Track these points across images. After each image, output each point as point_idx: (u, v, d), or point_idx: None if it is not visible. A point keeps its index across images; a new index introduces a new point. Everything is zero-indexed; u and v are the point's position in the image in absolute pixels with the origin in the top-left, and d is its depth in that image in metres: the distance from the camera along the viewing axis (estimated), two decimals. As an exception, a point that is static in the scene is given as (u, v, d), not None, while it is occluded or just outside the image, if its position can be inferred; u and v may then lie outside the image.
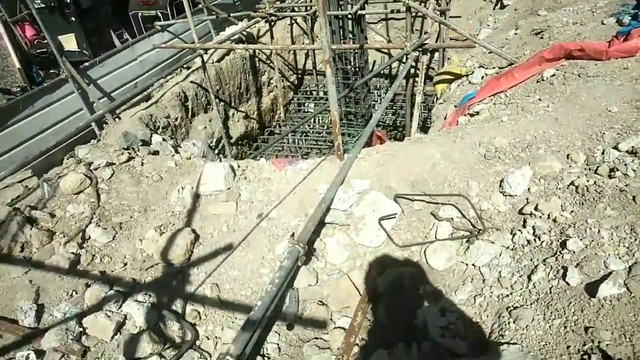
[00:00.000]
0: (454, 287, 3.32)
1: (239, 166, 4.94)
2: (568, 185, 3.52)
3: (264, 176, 4.79)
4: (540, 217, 3.39)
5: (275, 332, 3.44)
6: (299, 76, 12.13)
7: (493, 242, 3.43)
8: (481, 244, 3.43)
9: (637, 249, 2.72)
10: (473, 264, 3.38)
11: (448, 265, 3.49)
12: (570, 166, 3.72)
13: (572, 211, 3.30)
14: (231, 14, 10.26)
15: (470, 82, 6.90)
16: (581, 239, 3.01)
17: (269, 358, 3.28)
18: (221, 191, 4.56)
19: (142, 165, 5.13)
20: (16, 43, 11.07)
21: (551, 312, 2.73)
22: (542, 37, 6.47)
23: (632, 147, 3.50)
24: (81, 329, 3.55)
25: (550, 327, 2.65)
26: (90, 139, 7.76)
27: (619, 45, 4.87)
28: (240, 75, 10.17)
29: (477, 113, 5.61)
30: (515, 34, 7.20)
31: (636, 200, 3.04)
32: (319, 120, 11.13)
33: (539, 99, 4.63)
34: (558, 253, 3.02)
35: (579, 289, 2.74)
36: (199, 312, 3.64)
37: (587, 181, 3.43)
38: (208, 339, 3.47)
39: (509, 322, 2.81)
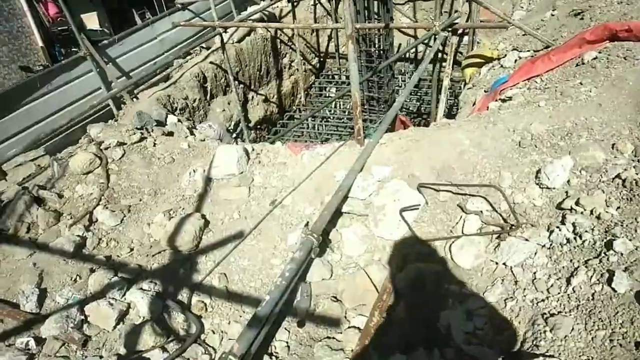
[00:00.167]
0: (482, 288, 3.00)
1: (253, 149, 4.66)
2: (614, 179, 3.14)
3: (279, 161, 4.50)
4: (581, 213, 3.02)
5: (285, 328, 3.18)
6: (321, 59, 11.74)
7: (527, 240, 3.08)
8: (514, 241, 3.08)
9: (700, 254, 2.35)
10: (504, 263, 3.05)
11: (476, 264, 3.16)
12: (615, 157, 3.33)
13: (618, 207, 2.93)
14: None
15: (502, 66, 6.45)
16: (630, 240, 2.65)
17: (277, 357, 3.03)
18: (233, 175, 4.30)
19: (154, 146, 4.91)
20: (39, 21, 10.99)
21: (594, 322, 2.40)
22: (582, 18, 5.96)
23: (691, 137, 3.09)
24: (82, 317, 3.36)
25: (593, 339, 2.32)
26: (108, 118, 7.62)
27: (672, 25, 4.38)
28: (260, 57, 9.86)
29: (510, 98, 5.19)
30: (552, 14, 6.69)
31: (697, 198, 2.66)
32: (339, 105, 10.76)
33: (580, 83, 4.20)
34: (602, 254, 2.67)
35: (628, 297, 2.39)
36: (205, 304, 3.41)
37: (636, 174, 3.05)
38: (214, 332, 3.24)
39: (544, 331, 2.48)
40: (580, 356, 2.28)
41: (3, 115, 6.56)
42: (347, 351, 2.95)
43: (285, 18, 10.49)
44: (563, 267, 2.80)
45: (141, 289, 3.49)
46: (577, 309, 2.54)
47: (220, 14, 10.44)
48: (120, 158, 4.66)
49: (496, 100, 5.58)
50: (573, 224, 2.98)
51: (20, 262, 3.80)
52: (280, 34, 10.41)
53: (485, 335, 2.67)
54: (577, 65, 4.91)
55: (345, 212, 3.85)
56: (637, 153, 3.27)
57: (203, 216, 3.98)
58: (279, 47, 10.45)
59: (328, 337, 3.09)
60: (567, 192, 3.24)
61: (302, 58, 10.64)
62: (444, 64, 9.36)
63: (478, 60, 7.24)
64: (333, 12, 10.91)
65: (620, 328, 2.29)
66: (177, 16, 9.46)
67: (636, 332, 2.23)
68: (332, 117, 10.16)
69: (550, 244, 2.97)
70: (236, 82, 9.23)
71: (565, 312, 2.55)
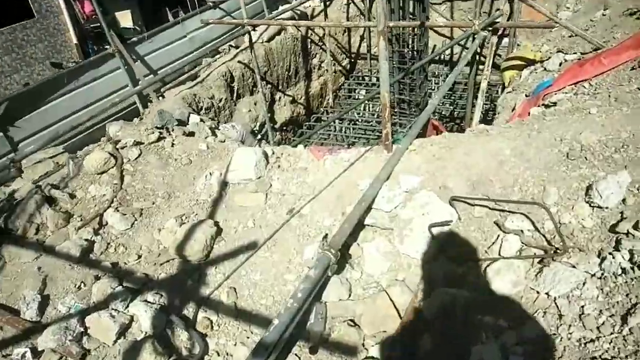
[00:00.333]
0: (520, 320, 2.60)
1: (273, 153, 4.38)
2: (681, 200, 2.69)
3: (299, 165, 4.19)
4: (641, 238, 2.59)
5: (296, 354, 2.86)
6: (352, 60, 11.38)
7: (574, 267, 2.66)
8: (559, 268, 2.67)
9: None
10: (547, 293, 2.64)
11: (514, 291, 2.76)
12: (683, 174, 2.87)
13: (688, 234, 2.48)
14: (285, -8, 9.69)
15: (545, 69, 5.95)
16: None
17: (284, 387, 2.72)
18: (250, 180, 4.02)
19: (172, 146, 4.69)
20: (75, 18, 11.09)
21: (658, 374, 1.98)
22: (638, 18, 5.41)
23: None
24: (82, 329, 3.14)
25: (656, 395, 1.90)
26: (134, 116, 7.51)
27: None
28: (290, 57, 9.60)
29: (555, 104, 4.72)
30: (604, 14, 6.14)
31: None
32: (368, 108, 10.37)
33: (638, 89, 3.72)
34: (668, 290, 2.25)
35: None
36: (211, 321, 3.13)
37: None
38: (218, 354, 2.95)
39: (595, 380, 2.09)
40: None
41: (32, 111, 6.52)
42: (363, 386, 2.62)
43: (317, 17, 10.20)
44: (617, 302, 2.39)
45: (146, 300, 3.25)
46: (636, 355, 2.13)
47: (251, 13, 10.28)
48: (136, 158, 4.46)
49: (539, 106, 5.12)
50: (630, 251, 2.55)
51: (26, 265, 3.62)
52: (311, 34, 10.13)
53: (524, 379, 2.29)
54: (632, 68, 4.41)
55: (368, 225, 3.50)
56: None
57: (216, 223, 3.71)
58: (309, 47, 10.17)
59: (343, 368, 2.75)
60: (622, 213, 2.80)
61: (332, 58, 10.34)
62: (480, 66, 8.88)
63: (519, 62, 6.75)
64: (367, 11, 10.55)
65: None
66: (207, 14, 9.31)
67: None
68: (360, 120, 9.80)
69: (602, 274, 2.55)
70: (264, 82, 9.00)
71: (621, 358, 2.15)
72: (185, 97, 7.46)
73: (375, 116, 9.79)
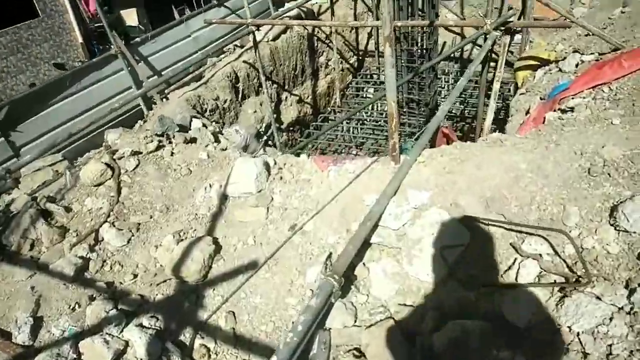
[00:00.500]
0: (540, 357, 2.37)
1: (275, 163, 4.16)
2: None
3: (302, 177, 3.98)
4: (675, 269, 2.34)
5: (297, 388, 2.66)
6: (360, 58, 11.09)
7: (600, 298, 2.42)
8: (582, 299, 2.44)
9: None
10: (569, 327, 2.41)
11: (533, 323, 2.53)
12: None
13: None
14: (291, -11, 9.41)
15: (560, 70, 5.66)
16: None
17: None
18: (251, 194, 3.81)
19: (171, 155, 4.49)
20: (80, 17, 10.92)
21: None
22: (661, 16, 5.10)
23: None
24: (75, 355, 2.96)
25: None
26: (138, 119, 7.33)
27: None
28: (296, 56, 9.34)
29: (572, 109, 4.45)
30: (623, 12, 5.82)
31: None
32: (377, 107, 10.10)
33: (666, 97, 3.45)
34: None
35: None
36: (208, 349, 2.93)
37: None
38: (215, 386, 2.76)
39: None
40: None
41: (34, 114, 6.35)
42: None
43: (324, 15, 9.92)
44: (650, 341, 2.15)
45: (141, 325, 3.07)
46: (672, 405, 1.89)
47: (256, 11, 10.02)
48: (134, 169, 4.27)
49: (555, 110, 4.84)
50: (663, 282, 2.31)
51: (19, 284, 3.46)
52: (318, 32, 9.86)
53: None
54: (656, 72, 4.12)
55: (375, 243, 3.28)
56: None
57: (215, 240, 3.52)
58: (315, 45, 9.90)
59: (347, 406, 2.55)
60: (652, 237, 2.56)
61: (339, 56, 10.08)
62: (492, 63, 8.57)
63: (532, 62, 6.45)
64: (375, 7, 10.24)
65: None
66: (212, 13, 9.08)
67: None
68: (368, 120, 9.54)
69: (631, 308, 2.32)
70: (269, 82, 8.77)
71: (655, 408, 1.92)
72: (189, 99, 7.26)
73: (384, 115, 9.52)
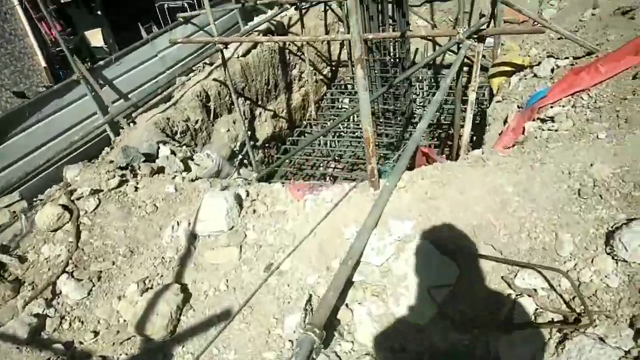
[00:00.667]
0: (544, 411, 2.13)
1: (248, 194, 3.86)
2: None
3: (277, 209, 3.68)
4: (683, 305, 2.12)
5: None
6: (333, 68, 10.85)
7: (603, 340, 2.19)
8: (585, 343, 2.20)
9: None
10: (573, 374, 2.17)
11: (533, 370, 2.29)
12: None
13: None
14: (259, 1, 9.10)
15: (535, 76, 5.50)
16: None
17: None
18: (222, 232, 3.50)
19: (135, 191, 4.15)
20: (42, 40, 10.44)
21: None
22: (632, 18, 4.98)
23: None
24: None
25: None
26: (104, 146, 6.95)
27: None
28: (268, 70, 9.05)
29: (552, 119, 4.27)
30: (593, 14, 5.69)
31: None
32: (353, 118, 9.87)
33: (650, 106, 3.27)
34: None
35: None
36: (178, 420, 2.62)
37: None
38: None
39: None
40: None
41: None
42: None
43: (294, 26, 9.66)
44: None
45: (102, 393, 2.73)
46: None
47: (225, 26, 9.71)
48: (94, 209, 3.91)
49: (534, 120, 4.66)
50: (670, 319, 2.09)
51: (-34, 352, 3.08)
52: (289, 44, 9.59)
53: None
54: (634, 77, 3.97)
55: (358, 282, 3.01)
56: None
57: (183, 288, 3.20)
58: (287, 58, 9.63)
59: None
60: (653, 267, 2.34)
61: (312, 68, 9.82)
62: (465, 67, 8.42)
63: (507, 68, 6.30)
64: (345, 17, 10.03)
65: None
66: (178, 31, 8.72)
67: None
68: (345, 132, 9.30)
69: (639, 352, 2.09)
70: (242, 98, 8.46)
71: None
72: (157, 123, 6.90)
73: (361, 126, 9.29)
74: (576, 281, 2.46)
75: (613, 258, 2.45)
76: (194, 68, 8.25)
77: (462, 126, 6.70)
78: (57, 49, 9.95)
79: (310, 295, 3.00)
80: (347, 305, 2.96)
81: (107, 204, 3.98)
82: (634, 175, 2.73)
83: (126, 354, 2.96)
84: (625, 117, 3.22)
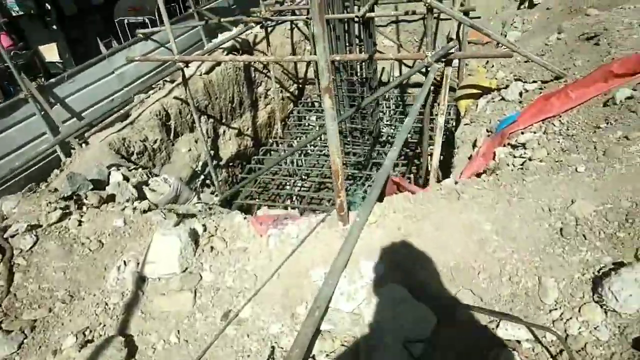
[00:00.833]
0: None
1: (205, 229, 3.49)
2: None
3: (238, 246, 3.33)
4: (683, 365, 1.91)
5: None
6: (300, 86, 10.61)
7: (599, 404, 1.95)
8: (579, 407, 1.95)
9: None
10: None
11: None
12: None
13: None
14: (224, 19, 8.77)
15: (504, 99, 5.39)
16: None
17: None
18: (174, 274, 3.12)
19: (79, 225, 3.71)
20: (-9, 54, 9.72)
21: None
22: (597, 44, 4.93)
23: None
24: None
25: None
26: (54, 168, 6.41)
27: None
28: (232, 88, 8.71)
29: (524, 145, 4.12)
30: (559, 39, 5.66)
31: None
32: (320, 137, 9.63)
33: (626, 138, 3.12)
34: None
35: None
36: None
37: None
38: None
39: None
40: None
41: None
42: None
43: (260, 44, 9.37)
44: None
45: None
46: None
47: (188, 43, 9.32)
48: (30, 248, 3.45)
49: (504, 145, 4.51)
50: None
51: None
52: (254, 62, 9.28)
53: None
54: (605, 105, 3.86)
55: (326, 331, 2.69)
56: None
57: (128, 341, 2.78)
58: (253, 75, 9.32)
59: None
60: (646, 319, 2.13)
61: (278, 85, 9.54)
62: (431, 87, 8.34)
63: (474, 90, 6.19)
64: (312, 36, 9.83)
65: None
66: (138, 47, 8.28)
67: None
68: (312, 150, 9.02)
69: (640, 418, 1.85)
70: (205, 116, 8.07)
71: None
72: (112, 143, 6.43)
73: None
74: (563, 333, 2.22)
75: (602, 307, 2.23)
76: (153, 86, 7.80)
77: (431, 149, 6.56)
78: (5, 64, 9.27)
79: (273, 348, 2.66)
80: (314, 357, 2.63)
81: (46, 241, 3.52)
82: (617, 214, 2.54)
83: None
84: (603, 149, 3.06)
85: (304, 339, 2.39)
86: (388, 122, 9.50)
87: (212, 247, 3.33)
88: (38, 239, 3.51)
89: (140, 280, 3.15)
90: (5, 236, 3.47)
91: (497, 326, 2.37)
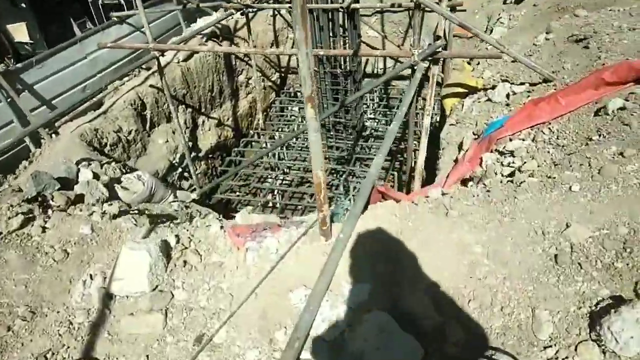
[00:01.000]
0: None
1: (178, 240, 3.23)
2: None
3: (213, 260, 3.09)
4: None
5: None
6: (282, 75, 10.25)
7: None
8: None
9: None
10: None
11: None
12: None
13: None
14: (202, 4, 8.30)
15: (490, 100, 5.21)
16: None
17: None
18: (143, 293, 2.86)
19: (42, 232, 3.39)
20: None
21: None
22: (587, 47, 4.76)
23: None
24: None
25: None
26: (23, 159, 5.99)
27: None
28: (212, 76, 8.31)
29: (512, 153, 3.95)
30: (547, 39, 5.47)
31: None
32: (303, 130, 9.35)
33: (622, 155, 2.96)
34: None
35: None
36: None
37: None
38: None
39: None
40: None
41: None
42: None
43: (241, 30, 8.95)
44: None
45: None
46: None
47: (165, 27, 8.82)
48: (-14, 258, 3.13)
49: (492, 151, 4.34)
50: None
51: None
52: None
53: None
54: (597, 114, 3.70)
55: None
56: None
57: (92, 368, 2.54)
58: (234, 63, 8.92)
59: None
60: (645, 360, 1.99)
61: (260, 74, 9.16)
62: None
63: (460, 89, 5.99)
64: (294, 23, 9.45)
65: None
66: (113, 31, 7.78)
67: None
68: (294, 143, 8.74)
69: None
70: (183, 106, 7.69)
71: None
72: (84, 134, 6.04)
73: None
74: (559, 374, 2.07)
75: (600, 347, 2.08)
76: (129, 73, 7.35)
77: (415, 144, 6.37)
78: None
79: (250, 379, 2.45)
80: (293, 390, 2.43)
81: (6, 250, 3.21)
82: (614, 241, 2.39)
83: None
84: (598, 167, 2.90)
85: (282, 375, 2.18)
86: (372, 116, 9.27)
87: (185, 262, 3.07)
88: (-5, 249, 3.19)
89: (107, 297, 2.88)
90: (-43, 246, 3.14)
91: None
